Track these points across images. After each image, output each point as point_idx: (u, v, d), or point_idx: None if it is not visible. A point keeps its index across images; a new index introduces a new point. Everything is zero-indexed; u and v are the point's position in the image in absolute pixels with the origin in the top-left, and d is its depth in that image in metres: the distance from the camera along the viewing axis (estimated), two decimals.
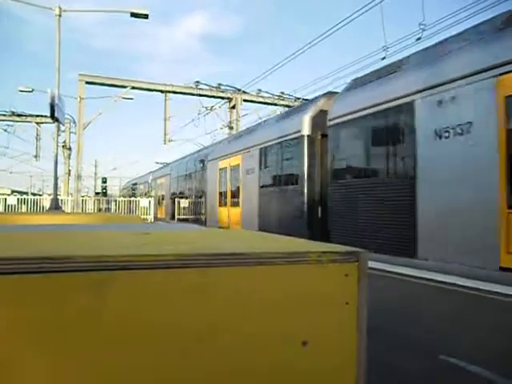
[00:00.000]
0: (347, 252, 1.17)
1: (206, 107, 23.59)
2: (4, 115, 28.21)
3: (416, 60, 7.32)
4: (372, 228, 7.68)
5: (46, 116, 22.48)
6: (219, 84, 23.37)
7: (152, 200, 22.88)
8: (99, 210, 22.75)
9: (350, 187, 8.49)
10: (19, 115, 28.52)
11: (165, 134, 23.54)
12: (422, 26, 10.91)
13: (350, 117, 8.40)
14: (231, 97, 23.65)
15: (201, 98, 23.36)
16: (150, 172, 33.83)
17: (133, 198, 23.98)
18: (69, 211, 18.42)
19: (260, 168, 12.20)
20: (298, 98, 21.67)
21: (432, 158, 6.40)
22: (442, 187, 6.19)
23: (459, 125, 5.80)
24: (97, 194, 42.76)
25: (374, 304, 1.39)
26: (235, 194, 14.22)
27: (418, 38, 11.17)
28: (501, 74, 5.31)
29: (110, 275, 0.95)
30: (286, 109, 19.90)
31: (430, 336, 3.55)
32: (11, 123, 29.23)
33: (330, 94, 10.48)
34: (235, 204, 14.14)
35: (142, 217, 19.38)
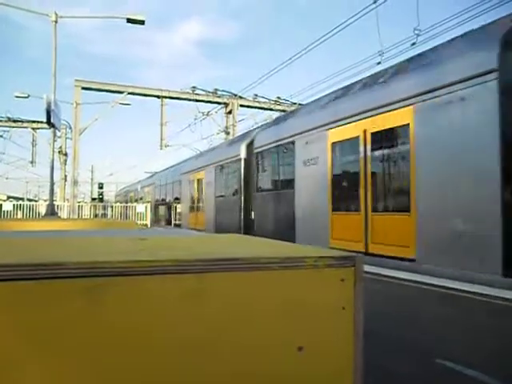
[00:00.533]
0: (343, 257, 1.17)
1: (202, 112, 23.64)
2: (0, 121, 28.13)
3: (298, 112, 11.96)
4: (274, 224, 11.71)
5: (42, 122, 22.46)
6: (216, 89, 23.43)
7: (148, 206, 22.84)
8: (95, 215, 22.68)
9: (263, 196, 12.44)
10: (15, 121, 28.46)
11: (161, 140, 23.53)
12: (416, 31, 11.01)
13: (264, 147, 12.33)
14: (227, 102, 23.70)
15: (197, 103, 23.41)
16: (139, 181, 37.22)
17: (129, 204, 23.94)
18: (65, 217, 18.34)
19: (215, 181, 15.88)
20: (295, 103, 21.72)
21: (302, 177, 10.24)
22: (305, 196, 10.17)
23: (313, 158, 9.82)
24: (93, 199, 42.64)
25: (369, 308, 1.39)
26: (200, 202, 17.80)
27: (413, 43, 11.27)
28: (328, 129, 9.31)
29: (105, 281, 0.94)
30: (282, 113, 20.04)
31: (427, 340, 3.55)
32: (7, 129, 29.20)
33: (258, 129, 14.40)
34: (200, 210, 17.70)
35: (139, 222, 19.32)
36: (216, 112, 24.05)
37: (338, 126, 8.87)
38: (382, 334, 3.44)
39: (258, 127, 15.01)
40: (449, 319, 4.16)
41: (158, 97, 22.68)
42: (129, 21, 15.50)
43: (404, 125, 7.11)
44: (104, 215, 22.95)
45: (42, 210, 20.38)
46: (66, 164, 27.57)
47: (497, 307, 4.50)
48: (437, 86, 6.47)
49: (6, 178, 45.19)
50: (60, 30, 14.86)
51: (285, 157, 11.34)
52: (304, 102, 18.77)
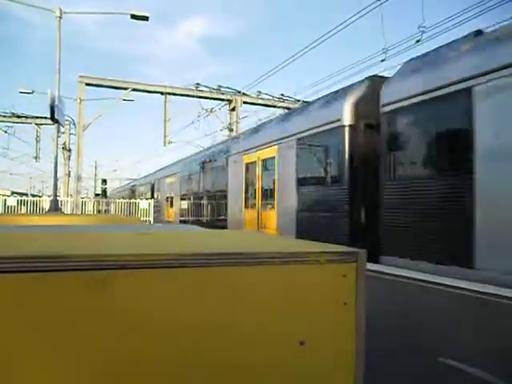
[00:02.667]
0: (345, 252, 1.17)
1: (205, 109, 23.62)
2: (4, 116, 28.23)
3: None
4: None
5: (46, 117, 22.48)
6: (219, 86, 23.39)
7: (152, 202, 22.87)
8: (99, 211, 22.73)
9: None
10: (19, 116, 28.55)
11: (164, 136, 23.53)
12: (421, 29, 10.94)
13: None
14: (231, 99, 23.66)
15: (201, 99, 23.38)
16: (134, 179, 41.40)
17: (132, 200, 23.97)
18: (68, 213, 18.41)
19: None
20: (298, 100, 21.68)
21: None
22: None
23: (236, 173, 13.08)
24: (97, 195, 42.78)
25: (371, 305, 1.39)
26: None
27: (418, 40, 11.21)
28: (244, 153, 12.71)
29: (108, 274, 0.95)
30: (286, 111, 20.01)
31: (429, 338, 3.54)
32: (11, 124, 29.31)
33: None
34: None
35: (142, 219, 19.38)
36: (219, 109, 24.03)
37: None
38: (384, 331, 3.44)
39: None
40: (451, 317, 4.16)
41: (161, 93, 22.67)
42: (133, 17, 15.49)
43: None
44: (107, 211, 22.99)
45: (46, 205, 20.43)
46: (69, 160, 27.67)
47: (500, 306, 4.49)
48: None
49: (10, 174, 45.45)
50: (64, 26, 14.86)
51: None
52: (308, 100, 18.80)
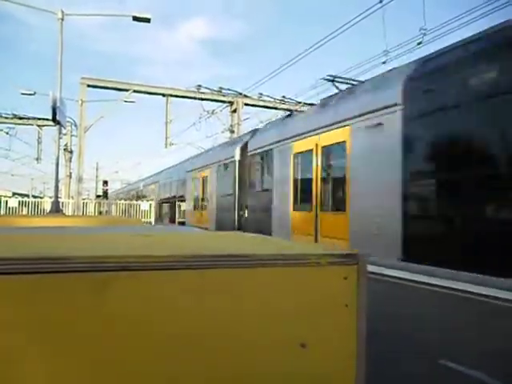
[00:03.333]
0: (346, 255, 1.17)
1: (207, 111, 23.63)
2: (6, 118, 28.28)
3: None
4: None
5: (47, 119, 22.53)
6: (221, 88, 23.40)
7: (153, 203, 22.88)
8: (100, 212, 22.74)
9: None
10: (21, 118, 28.59)
11: (166, 138, 23.55)
12: (422, 31, 10.93)
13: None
14: (232, 101, 23.68)
15: (202, 101, 23.40)
16: (128, 184, 44.15)
17: (133, 202, 23.98)
18: (69, 214, 18.42)
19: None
20: (299, 102, 21.67)
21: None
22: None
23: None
24: (98, 196, 42.79)
25: (372, 308, 1.39)
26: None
27: (419, 43, 11.21)
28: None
29: (109, 276, 0.95)
30: (287, 113, 20.05)
31: (429, 340, 3.54)
32: (13, 126, 29.34)
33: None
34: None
35: (143, 220, 19.38)
36: (221, 110, 24.04)
37: None
38: (385, 334, 3.44)
39: None
40: (451, 319, 4.15)
41: (163, 95, 22.69)
42: (135, 19, 15.52)
43: None
44: (108, 212, 23.01)
45: (47, 206, 20.45)
46: (71, 161, 27.68)
47: (500, 308, 4.49)
48: None
49: (12, 175, 45.47)
50: (66, 28, 14.91)
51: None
52: (309, 102, 18.83)
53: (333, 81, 12.32)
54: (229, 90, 23.54)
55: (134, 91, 21.85)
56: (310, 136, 9.78)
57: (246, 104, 23.93)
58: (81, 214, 19.73)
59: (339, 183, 8.88)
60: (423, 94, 6.78)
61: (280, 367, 1.09)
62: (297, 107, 21.36)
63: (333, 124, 8.95)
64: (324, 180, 9.40)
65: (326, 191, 9.38)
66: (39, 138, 31.24)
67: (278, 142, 11.32)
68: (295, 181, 10.46)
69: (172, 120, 23.37)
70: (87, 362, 0.93)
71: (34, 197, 34.91)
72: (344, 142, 8.51)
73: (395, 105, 7.21)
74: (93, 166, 52.05)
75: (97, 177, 52.71)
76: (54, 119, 13.44)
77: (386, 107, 7.42)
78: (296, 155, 10.38)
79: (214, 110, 23.81)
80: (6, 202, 21.65)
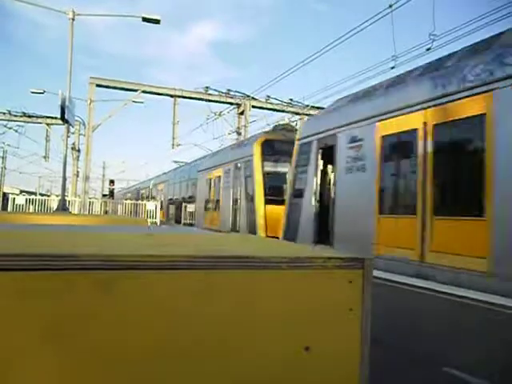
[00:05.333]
0: (352, 258, 1.17)
1: (214, 112, 23.69)
2: (15, 116, 28.51)
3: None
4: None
5: (56, 117, 22.69)
6: (228, 90, 23.47)
7: (158, 203, 22.95)
8: (106, 212, 22.85)
9: None
10: (30, 116, 28.80)
11: (173, 138, 23.64)
12: (432, 37, 10.85)
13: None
14: (240, 103, 23.72)
15: (210, 103, 23.48)
16: (128, 187, 45.41)
17: (139, 201, 24.07)
18: (76, 212, 18.53)
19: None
20: (307, 105, 21.67)
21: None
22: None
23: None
24: (104, 196, 43.03)
25: (376, 314, 1.39)
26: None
27: (428, 49, 11.15)
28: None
29: (116, 274, 0.96)
30: (295, 116, 20.10)
31: (434, 347, 3.51)
32: (22, 124, 29.58)
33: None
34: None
35: (149, 220, 19.44)
36: (228, 112, 24.10)
37: None
38: (389, 341, 3.42)
39: None
40: (456, 326, 4.12)
41: (171, 96, 22.79)
42: (144, 20, 15.63)
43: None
44: (114, 212, 23.12)
45: (54, 204, 20.58)
46: (78, 160, 27.85)
47: (506, 316, 4.44)
48: None
49: (20, 173, 45.91)
50: (76, 28, 15.03)
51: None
52: (317, 105, 18.76)
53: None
54: (236, 92, 23.60)
55: (143, 92, 21.97)
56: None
57: (254, 106, 23.96)
58: (87, 212, 19.83)
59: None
60: None
61: (284, 370, 1.09)
62: (304, 110, 21.35)
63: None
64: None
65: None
66: (47, 136, 31.47)
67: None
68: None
69: (179, 121, 23.45)
70: (92, 360, 0.94)
71: (41, 195, 35.15)
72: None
73: None
74: (100, 165, 52.41)
75: (103, 176, 53.03)
76: (62, 118, 13.57)
77: None
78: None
79: (221, 112, 23.87)
80: (14, 199, 21.82)
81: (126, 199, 27.92)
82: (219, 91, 23.37)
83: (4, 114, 27.87)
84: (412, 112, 6.96)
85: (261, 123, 25.79)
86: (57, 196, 23.41)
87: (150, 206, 22.58)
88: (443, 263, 6.04)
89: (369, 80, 14.39)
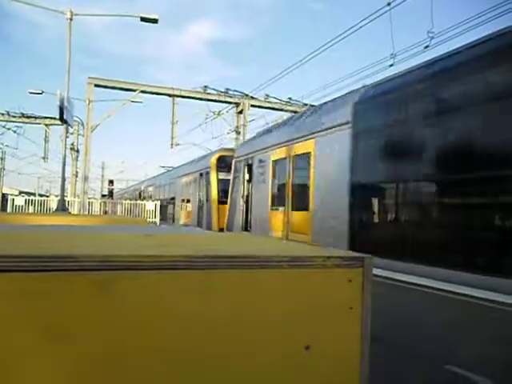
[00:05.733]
0: (352, 257, 1.17)
1: (213, 112, 23.67)
2: (14, 116, 28.47)
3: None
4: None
5: (54, 118, 22.69)
6: (227, 89, 23.44)
7: (158, 203, 22.95)
8: (105, 212, 22.84)
9: None
10: (28, 117, 28.76)
11: (172, 138, 23.62)
12: (430, 34, 10.89)
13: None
14: (239, 102, 23.70)
15: (208, 102, 23.45)
16: (125, 188, 46.45)
17: (139, 201, 24.07)
18: (75, 213, 18.52)
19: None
20: (306, 104, 21.64)
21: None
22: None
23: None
24: (103, 196, 43.03)
25: (376, 311, 1.39)
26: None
27: (426, 46, 11.17)
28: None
29: (114, 275, 0.96)
30: (294, 114, 20.11)
31: (436, 345, 3.52)
32: (20, 125, 29.54)
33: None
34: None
35: (148, 220, 19.43)
36: (227, 112, 24.08)
37: None
38: (390, 338, 3.42)
39: None
40: (457, 324, 4.12)
41: (169, 95, 22.76)
42: (142, 19, 15.62)
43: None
44: (113, 212, 23.11)
45: (53, 205, 20.57)
46: (77, 160, 27.84)
47: (505, 313, 4.45)
48: None
49: (19, 174, 45.93)
50: (74, 28, 15.00)
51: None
52: (315, 103, 18.82)
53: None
54: (235, 91, 23.57)
55: (141, 91, 21.94)
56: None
57: (253, 105, 23.94)
58: (86, 213, 19.82)
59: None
60: None
61: (284, 369, 1.09)
62: (303, 109, 21.36)
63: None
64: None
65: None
66: (46, 137, 31.45)
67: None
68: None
69: (178, 120, 23.44)
70: (90, 361, 0.93)
71: (41, 195, 35.13)
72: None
73: None
74: (99, 166, 52.39)
75: (102, 176, 53.04)
76: (61, 118, 13.55)
77: None
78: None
79: (220, 111, 23.86)
80: (13, 200, 21.80)
81: (125, 199, 28.07)
82: (218, 90, 23.34)
83: (2, 114, 27.82)
84: (283, 147, 10.89)
85: (260, 122, 25.80)
86: (56, 196, 23.39)
87: (150, 205, 22.57)
88: (294, 238, 9.72)
89: (367, 78, 14.36)
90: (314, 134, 9.50)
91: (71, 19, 14.68)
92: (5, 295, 0.88)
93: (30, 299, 0.90)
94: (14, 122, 29.14)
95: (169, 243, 1.49)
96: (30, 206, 21.44)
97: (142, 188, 31.96)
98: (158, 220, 21.75)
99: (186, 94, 22.96)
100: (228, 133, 24.11)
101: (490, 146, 5.79)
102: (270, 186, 11.39)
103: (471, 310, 4.67)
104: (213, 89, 23.21)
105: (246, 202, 12.77)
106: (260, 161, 11.98)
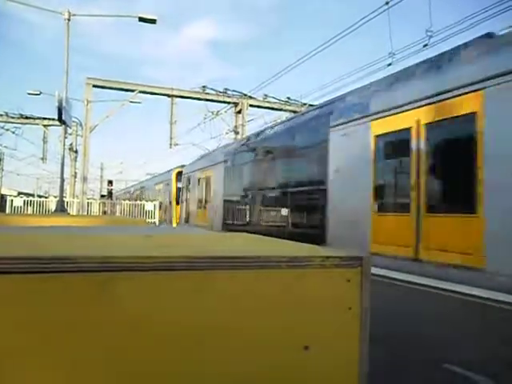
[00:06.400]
0: (350, 257, 1.17)
1: (212, 112, 23.66)
2: (12, 117, 28.41)
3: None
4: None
5: (53, 119, 22.64)
6: (226, 89, 23.43)
7: (157, 204, 22.94)
8: (104, 212, 22.83)
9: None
10: (27, 118, 28.71)
11: (170, 138, 23.61)
12: (429, 33, 10.86)
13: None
14: (237, 101, 23.69)
15: (207, 102, 23.44)
16: (123, 189, 49.33)
17: (138, 202, 24.06)
18: (74, 214, 18.50)
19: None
20: (305, 104, 21.65)
21: None
22: None
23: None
24: (102, 196, 42.96)
25: (375, 310, 1.39)
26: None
27: (425, 45, 11.15)
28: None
29: (113, 276, 0.96)
30: (292, 114, 20.10)
31: (434, 344, 3.52)
32: (19, 125, 29.49)
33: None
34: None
35: (148, 220, 19.42)
36: (225, 111, 24.07)
37: None
38: (389, 337, 3.43)
39: None
40: (456, 323, 4.13)
41: (168, 95, 22.74)
42: (141, 20, 15.61)
43: None
44: (112, 212, 23.10)
45: (52, 206, 20.56)
46: (76, 161, 27.80)
47: (506, 312, 4.45)
48: None
49: (17, 174, 45.79)
50: (72, 29, 14.98)
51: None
52: (314, 103, 18.82)
53: None
54: (234, 91, 23.56)
55: (140, 92, 21.92)
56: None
57: (251, 105, 23.93)
58: (85, 213, 19.80)
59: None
60: None
61: (283, 369, 1.09)
62: (302, 109, 21.35)
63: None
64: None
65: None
66: (45, 137, 31.40)
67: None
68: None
69: (177, 121, 23.42)
70: (90, 362, 0.93)
71: (39, 196, 35.06)
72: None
73: None
74: (98, 166, 52.31)
75: (101, 177, 52.98)
76: (59, 119, 13.55)
77: None
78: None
79: (218, 111, 23.85)
80: (12, 201, 21.77)
81: (124, 199, 28.32)
82: (216, 90, 23.34)
83: (1, 115, 27.76)
84: (203, 170, 15.52)
85: (259, 122, 25.78)
86: (55, 197, 23.37)
87: (149, 206, 22.56)
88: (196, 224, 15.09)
89: (367, 77, 14.36)
90: (213, 165, 14.54)
91: (69, 20, 14.67)
92: (4, 297, 0.88)
93: (29, 301, 0.90)
94: (12, 122, 29.07)
95: (168, 244, 1.49)
96: (29, 207, 21.42)
97: (132, 191, 39.73)
98: (157, 220, 21.75)
99: (185, 94, 22.95)
100: (227, 133, 24.10)
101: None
102: (197, 193, 16.39)
103: (469, 308, 4.67)
104: (211, 89, 23.20)
105: (187, 203, 17.93)
106: (193, 177, 17.01)
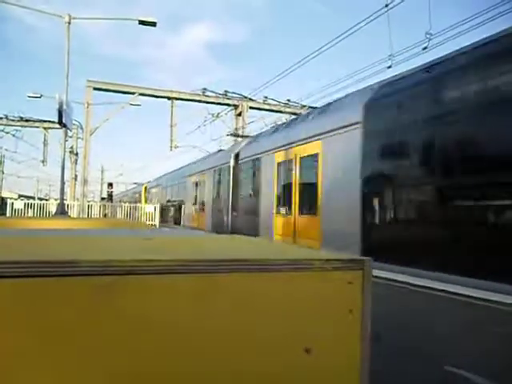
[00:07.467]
0: (351, 260, 1.17)
1: (212, 114, 23.68)
2: (12, 120, 28.41)
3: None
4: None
5: (53, 121, 22.64)
6: (226, 91, 23.45)
7: (158, 206, 22.94)
8: (105, 215, 22.83)
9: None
10: (27, 120, 28.71)
11: (171, 141, 23.62)
12: (428, 36, 10.91)
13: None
14: (237, 104, 23.71)
15: (207, 104, 23.46)
16: (122, 192, 52.30)
17: (138, 204, 24.08)
18: (75, 216, 18.49)
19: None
20: (304, 106, 21.67)
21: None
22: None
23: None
24: (103, 199, 42.98)
25: (376, 313, 1.39)
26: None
27: (425, 47, 11.18)
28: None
29: (115, 280, 0.96)
30: (293, 116, 20.12)
31: (435, 346, 3.51)
32: (19, 128, 29.49)
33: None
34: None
35: (148, 223, 19.41)
36: (226, 114, 24.09)
37: None
38: (389, 339, 3.42)
39: None
40: (457, 325, 4.12)
41: (168, 98, 22.76)
42: (141, 22, 15.62)
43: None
44: (113, 215, 23.10)
45: (53, 208, 20.55)
46: (76, 164, 27.82)
47: (506, 314, 4.45)
48: None
49: (18, 177, 45.86)
50: (72, 32, 15.00)
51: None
52: (314, 105, 18.86)
53: None
54: (234, 93, 23.57)
55: (140, 94, 21.94)
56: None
57: (251, 107, 23.95)
58: (86, 216, 19.80)
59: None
60: None
61: (284, 372, 1.09)
62: (301, 111, 21.36)
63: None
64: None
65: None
66: (45, 140, 31.40)
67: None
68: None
69: (177, 123, 23.44)
70: (91, 366, 0.93)
71: (40, 199, 35.06)
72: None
73: None
74: (98, 169, 52.35)
75: (102, 179, 53.01)
76: (60, 122, 13.53)
77: None
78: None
79: (218, 113, 23.86)
80: (12, 203, 21.76)
81: (124, 202, 28.94)
82: (216, 93, 23.36)
83: (1, 118, 27.78)
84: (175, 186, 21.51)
85: (259, 124, 25.79)
86: (55, 200, 23.37)
87: (149, 208, 22.57)
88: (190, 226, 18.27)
89: (367, 79, 14.38)
90: (184, 177, 19.02)
91: (69, 23, 14.69)
92: (5, 301, 0.88)
93: (30, 305, 0.90)
94: (12, 125, 29.06)
95: (168, 247, 1.49)
96: (30, 210, 21.41)
97: (129, 194, 44.11)
98: (157, 222, 21.74)
99: (185, 97, 22.97)
100: (227, 135, 24.10)
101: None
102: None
103: (469, 310, 4.66)
104: (211, 91, 23.22)
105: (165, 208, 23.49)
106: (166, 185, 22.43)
